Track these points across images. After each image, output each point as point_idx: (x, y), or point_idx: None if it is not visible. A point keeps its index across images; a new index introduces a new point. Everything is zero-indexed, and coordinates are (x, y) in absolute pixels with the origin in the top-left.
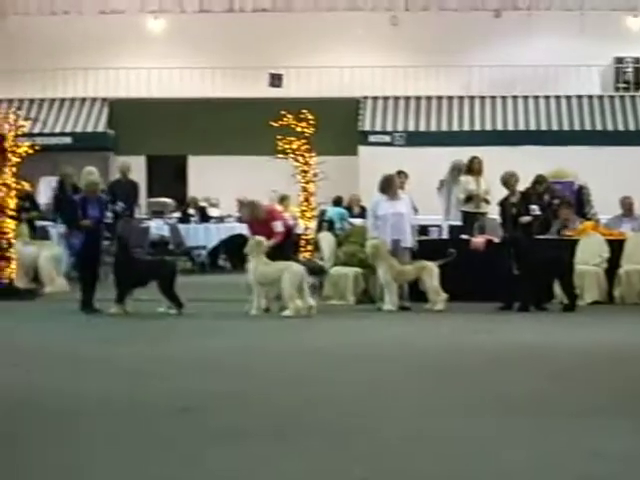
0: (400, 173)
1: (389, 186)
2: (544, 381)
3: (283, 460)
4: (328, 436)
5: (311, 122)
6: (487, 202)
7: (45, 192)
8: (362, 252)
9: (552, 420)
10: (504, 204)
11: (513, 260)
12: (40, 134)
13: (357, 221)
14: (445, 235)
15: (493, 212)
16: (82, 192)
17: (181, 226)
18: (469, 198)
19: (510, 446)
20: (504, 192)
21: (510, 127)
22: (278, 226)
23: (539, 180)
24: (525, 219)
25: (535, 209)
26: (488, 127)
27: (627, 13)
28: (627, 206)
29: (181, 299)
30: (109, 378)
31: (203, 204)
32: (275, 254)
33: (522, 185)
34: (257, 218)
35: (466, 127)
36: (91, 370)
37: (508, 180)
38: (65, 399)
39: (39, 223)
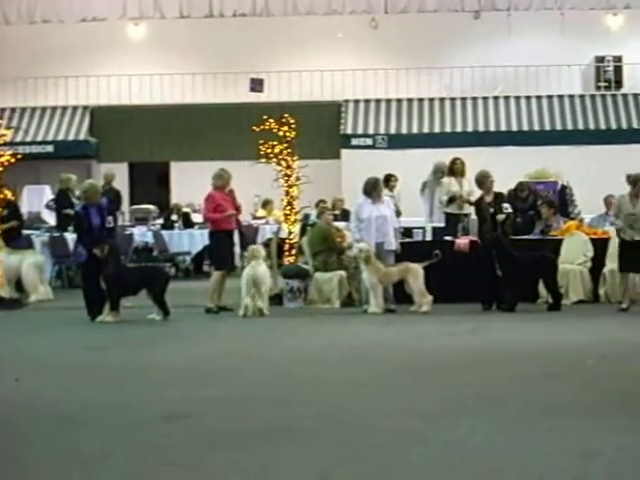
0: (391, 176)
1: (374, 189)
2: (532, 380)
3: (273, 465)
4: (316, 439)
5: (293, 126)
6: (470, 203)
7: (29, 201)
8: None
9: (542, 419)
10: (480, 204)
11: (496, 261)
12: (22, 143)
13: (341, 224)
14: (429, 237)
15: None
16: (81, 200)
17: (164, 232)
18: (452, 199)
19: (501, 446)
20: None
21: (492, 128)
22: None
23: (520, 187)
24: (500, 217)
25: (507, 207)
26: (470, 128)
27: (607, 12)
28: (611, 205)
29: (168, 306)
30: (100, 385)
31: (186, 210)
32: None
33: (504, 187)
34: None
35: (448, 129)
36: (81, 378)
37: (483, 181)
38: (56, 407)
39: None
